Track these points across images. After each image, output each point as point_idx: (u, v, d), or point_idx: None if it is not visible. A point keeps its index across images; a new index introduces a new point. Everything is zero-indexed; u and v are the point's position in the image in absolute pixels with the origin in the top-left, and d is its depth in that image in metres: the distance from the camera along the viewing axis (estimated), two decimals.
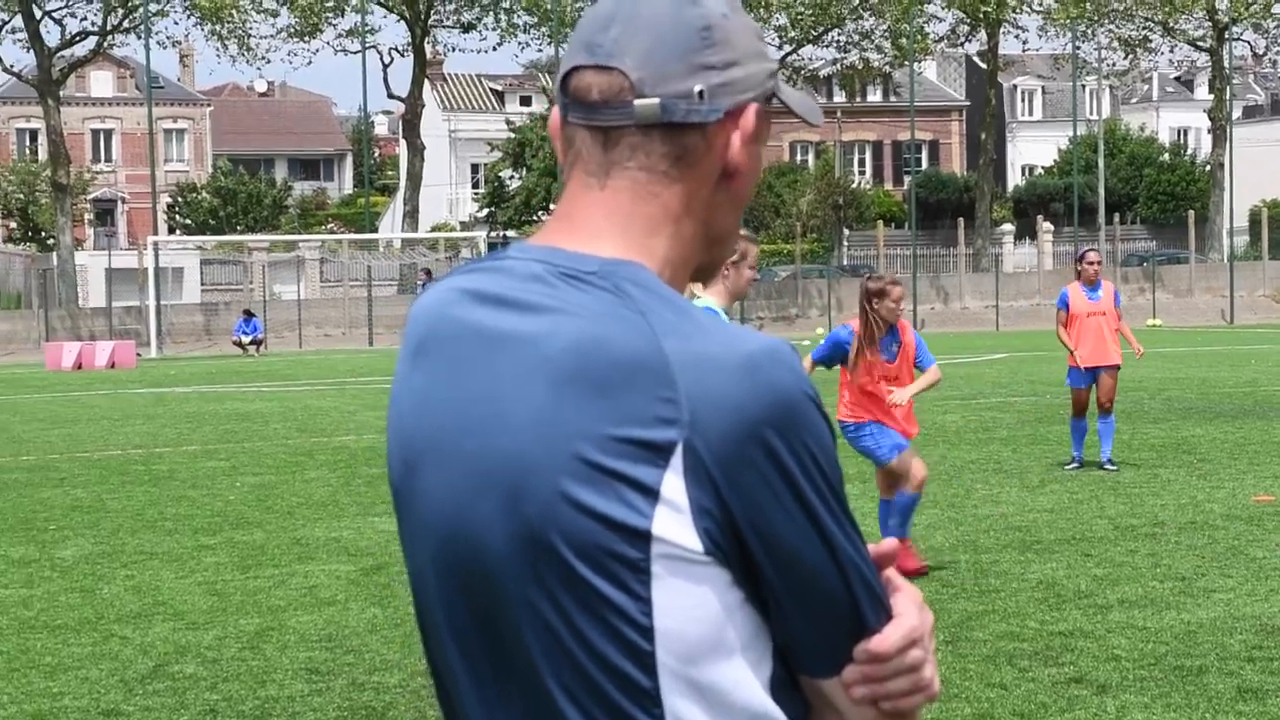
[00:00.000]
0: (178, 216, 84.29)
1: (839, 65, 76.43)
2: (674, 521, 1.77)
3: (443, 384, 1.89)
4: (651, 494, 1.77)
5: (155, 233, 62.30)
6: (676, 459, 1.77)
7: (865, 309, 11.26)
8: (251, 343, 53.97)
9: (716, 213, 1.96)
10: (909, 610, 1.88)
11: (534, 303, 1.86)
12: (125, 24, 66.78)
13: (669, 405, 1.77)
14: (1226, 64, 76.20)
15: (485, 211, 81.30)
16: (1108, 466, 16.13)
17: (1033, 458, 17.47)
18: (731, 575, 1.81)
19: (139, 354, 49.86)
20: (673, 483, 1.77)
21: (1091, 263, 16.54)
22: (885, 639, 1.85)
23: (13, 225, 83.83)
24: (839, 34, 73.14)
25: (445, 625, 1.91)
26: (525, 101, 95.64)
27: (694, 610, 1.80)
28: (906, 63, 71.12)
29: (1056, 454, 17.67)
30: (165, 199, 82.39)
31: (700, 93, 1.90)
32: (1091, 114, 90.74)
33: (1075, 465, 16.31)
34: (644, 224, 1.92)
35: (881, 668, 1.86)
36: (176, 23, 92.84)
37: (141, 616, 10.29)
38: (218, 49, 67.35)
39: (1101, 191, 79.86)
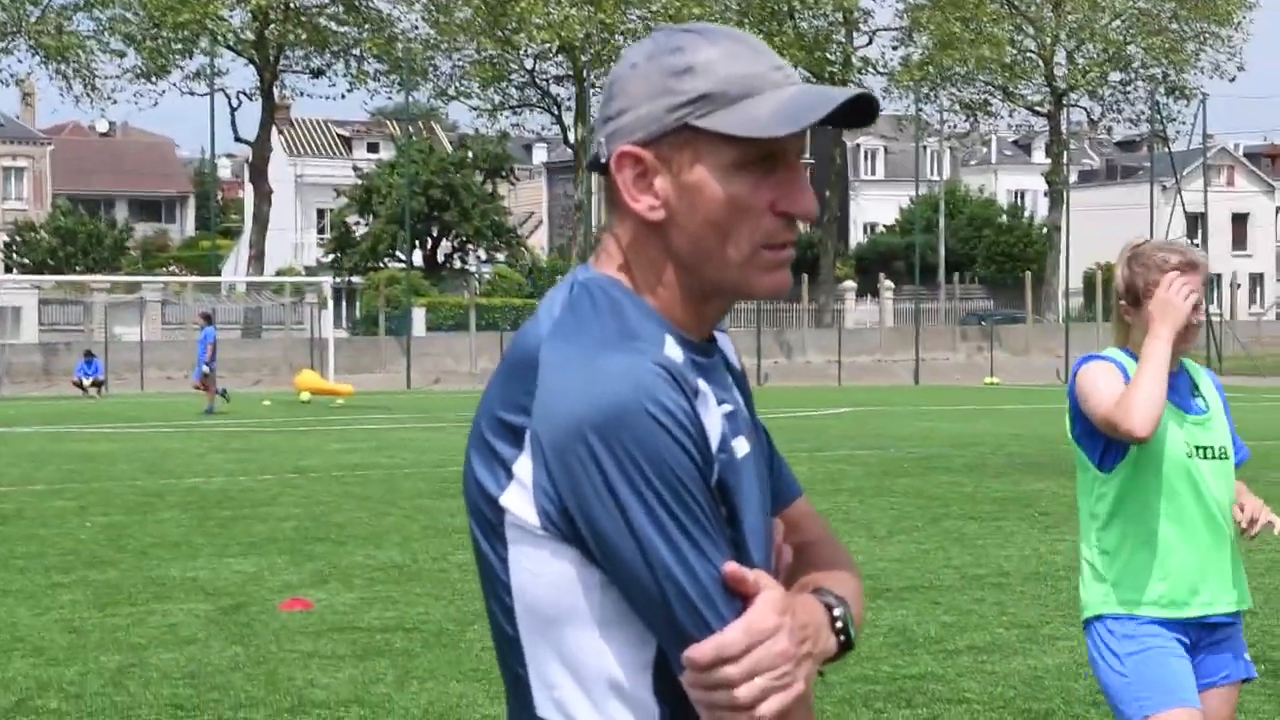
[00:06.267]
0: (15, 255, 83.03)
1: None
2: (519, 496, 2.04)
3: None
4: (508, 470, 2.04)
5: None
6: (527, 443, 2.02)
7: None
8: (92, 384, 53.28)
9: (671, 238, 2.14)
10: (733, 629, 1.99)
11: (543, 303, 2.15)
12: None
13: (528, 396, 2.03)
14: (1064, 129, 78.05)
15: (331, 257, 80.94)
16: None
17: (879, 509, 17.81)
18: (581, 553, 2.02)
19: None
20: (524, 463, 2.03)
21: None
22: (696, 650, 1.99)
23: None
24: None
25: None
26: (373, 148, 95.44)
27: (542, 577, 2.04)
28: None
29: (902, 506, 18.03)
30: (2, 238, 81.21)
31: (602, 141, 2.15)
32: (932, 174, 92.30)
33: None
34: (609, 252, 2.18)
35: (699, 677, 1.99)
36: (20, 60, 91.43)
37: (0, 652, 10.25)
38: (62, 88, 66.84)
39: (942, 251, 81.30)
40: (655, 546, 1.98)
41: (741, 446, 2.15)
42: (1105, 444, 5.02)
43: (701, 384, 2.09)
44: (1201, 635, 5.00)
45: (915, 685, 9.21)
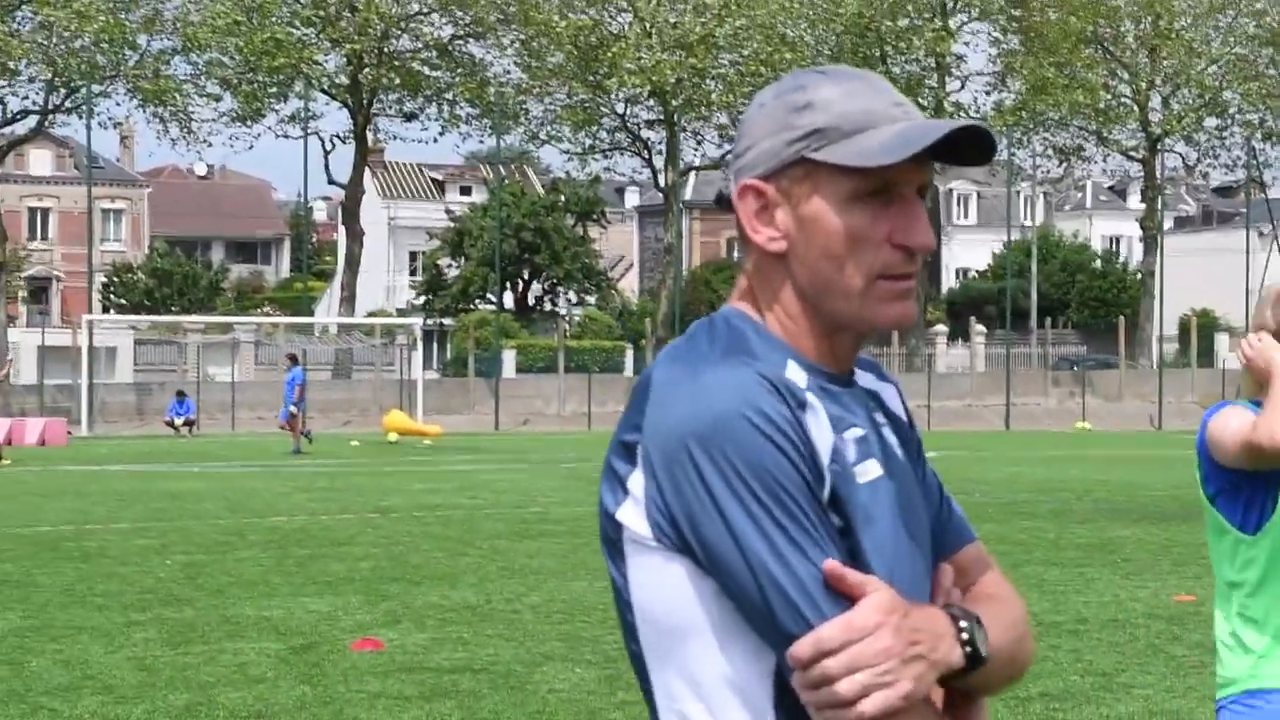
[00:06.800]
0: (112, 296, 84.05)
1: None
2: (633, 511, 2.09)
3: None
4: (624, 486, 2.09)
5: (90, 312, 62.14)
6: (639, 459, 2.07)
7: None
8: (184, 423, 53.79)
9: (793, 270, 2.20)
10: (832, 624, 1.98)
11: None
12: (67, 104, 66.87)
13: (641, 415, 2.08)
14: (1159, 175, 77.43)
15: (422, 299, 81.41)
16: None
17: None
18: (694, 564, 2.05)
19: (70, 432, 49.59)
20: (637, 479, 2.08)
21: None
22: (797, 646, 1.99)
23: None
24: None
25: None
26: (465, 191, 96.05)
27: (658, 590, 2.08)
28: None
29: None
30: (100, 278, 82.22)
31: (730, 178, 2.22)
32: (1025, 219, 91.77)
33: None
34: (739, 286, 2.27)
35: (803, 675, 1.99)
36: (118, 104, 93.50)
37: (70, 689, 10.29)
38: (159, 131, 67.78)
39: (1034, 296, 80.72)
40: (754, 547, 2.01)
41: (870, 470, 2.16)
42: (1247, 502, 4.56)
43: (812, 398, 2.11)
44: None
45: None
